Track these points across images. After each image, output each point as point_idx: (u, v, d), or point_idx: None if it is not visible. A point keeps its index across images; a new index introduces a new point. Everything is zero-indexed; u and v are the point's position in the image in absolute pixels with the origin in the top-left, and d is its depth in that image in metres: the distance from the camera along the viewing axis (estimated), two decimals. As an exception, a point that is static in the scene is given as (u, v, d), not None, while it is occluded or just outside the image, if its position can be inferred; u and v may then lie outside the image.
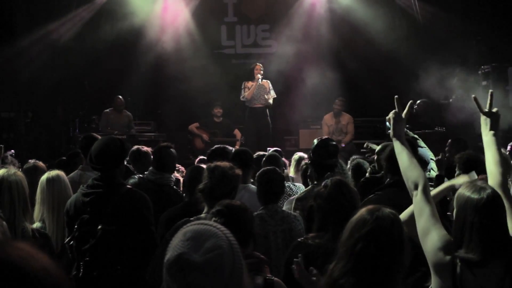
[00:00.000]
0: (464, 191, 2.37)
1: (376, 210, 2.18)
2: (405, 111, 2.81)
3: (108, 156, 3.56)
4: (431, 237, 2.37)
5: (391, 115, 2.78)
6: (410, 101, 2.86)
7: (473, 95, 2.89)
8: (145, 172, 4.70)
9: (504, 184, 2.61)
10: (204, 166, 3.82)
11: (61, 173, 4.04)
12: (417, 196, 2.50)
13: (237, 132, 10.56)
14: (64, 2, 11.08)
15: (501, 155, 2.72)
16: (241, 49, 12.18)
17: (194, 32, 11.57)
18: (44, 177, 3.92)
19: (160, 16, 11.45)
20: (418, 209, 2.47)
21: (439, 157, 4.58)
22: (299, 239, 3.07)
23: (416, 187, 2.52)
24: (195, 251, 1.46)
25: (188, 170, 4.25)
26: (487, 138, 2.77)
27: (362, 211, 2.21)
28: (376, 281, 2.09)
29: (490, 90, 2.90)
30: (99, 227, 3.42)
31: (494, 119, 2.78)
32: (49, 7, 10.89)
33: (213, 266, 1.45)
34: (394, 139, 2.74)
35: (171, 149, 4.72)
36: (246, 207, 2.67)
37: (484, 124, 2.79)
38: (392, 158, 3.67)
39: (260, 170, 4.06)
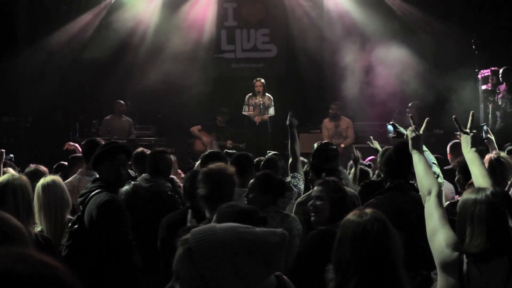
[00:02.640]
0: (464, 195, 2.48)
1: (361, 215, 2.22)
2: (422, 128, 3.01)
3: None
4: (438, 236, 2.44)
5: (409, 132, 2.97)
6: (427, 118, 3.07)
7: (453, 116, 3.11)
8: (137, 180, 4.59)
9: None
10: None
11: (56, 178, 4.03)
12: (430, 201, 2.60)
13: (228, 143, 10.46)
14: (65, 9, 11.11)
15: (485, 168, 2.89)
16: (241, 53, 12.19)
17: (194, 37, 11.58)
18: (39, 183, 3.91)
19: (160, 21, 11.47)
20: (429, 212, 2.56)
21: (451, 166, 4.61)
22: (321, 227, 3.12)
23: (429, 193, 2.63)
24: None
25: (187, 174, 4.22)
26: (470, 155, 2.95)
27: (351, 220, 2.23)
28: (391, 280, 2.16)
29: (472, 111, 3.10)
30: (67, 229, 3.61)
31: (474, 137, 2.99)
32: (50, 14, 10.93)
33: None
34: (413, 152, 2.90)
35: (166, 154, 4.65)
36: (255, 208, 2.68)
37: (465, 142, 2.99)
38: (390, 162, 3.70)
39: (256, 174, 4.05)
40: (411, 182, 3.60)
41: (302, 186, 4.77)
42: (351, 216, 2.25)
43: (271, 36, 12.06)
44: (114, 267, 3.49)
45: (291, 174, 4.86)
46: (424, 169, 2.77)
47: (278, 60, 11.93)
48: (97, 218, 3.50)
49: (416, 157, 2.88)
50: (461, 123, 3.07)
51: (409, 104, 10.02)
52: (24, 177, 3.54)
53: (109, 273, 3.47)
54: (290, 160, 4.98)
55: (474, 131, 3.02)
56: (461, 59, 10.02)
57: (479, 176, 2.85)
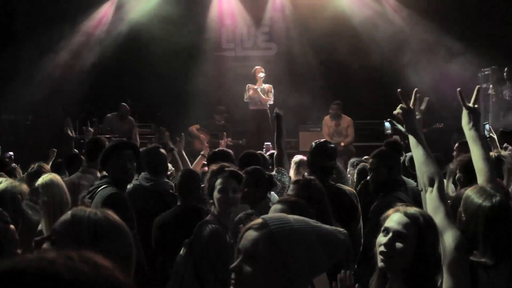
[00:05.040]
0: (474, 197, 2.40)
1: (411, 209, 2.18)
2: (412, 101, 2.68)
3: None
4: (447, 236, 2.35)
5: (398, 110, 2.65)
6: (416, 89, 2.77)
7: (458, 89, 2.89)
8: (137, 179, 4.52)
9: (493, 179, 2.66)
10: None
11: (55, 176, 4.00)
12: (433, 193, 2.44)
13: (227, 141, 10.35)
14: (65, 6, 11.10)
15: (486, 151, 2.74)
16: (241, 51, 12.18)
17: (195, 35, 11.57)
18: (37, 182, 3.88)
19: (161, 19, 11.46)
20: (433, 207, 2.42)
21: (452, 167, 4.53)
22: None
23: (431, 183, 2.45)
24: None
25: (179, 174, 4.18)
26: (471, 132, 2.76)
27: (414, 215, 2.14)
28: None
29: (478, 86, 2.89)
30: None
31: (476, 115, 2.79)
32: (49, 12, 10.91)
33: None
34: (409, 134, 2.62)
35: (160, 149, 4.62)
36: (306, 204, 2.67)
37: (467, 118, 2.78)
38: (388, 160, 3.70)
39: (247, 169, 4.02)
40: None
41: (286, 180, 4.69)
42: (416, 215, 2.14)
43: (271, 34, 12.05)
44: None
45: (276, 169, 4.80)
46: (424, 153, 2.51)
47: (278, 59, 11.91)
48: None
49: (412, 140, 2.59)
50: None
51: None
52: (24, 185, 3.50)
53: None
54: (276, 153, 4.92)
55: (477, 105, 2.80)
56: (461, 56, 10.00)
57: (479, 159, 2.70)
